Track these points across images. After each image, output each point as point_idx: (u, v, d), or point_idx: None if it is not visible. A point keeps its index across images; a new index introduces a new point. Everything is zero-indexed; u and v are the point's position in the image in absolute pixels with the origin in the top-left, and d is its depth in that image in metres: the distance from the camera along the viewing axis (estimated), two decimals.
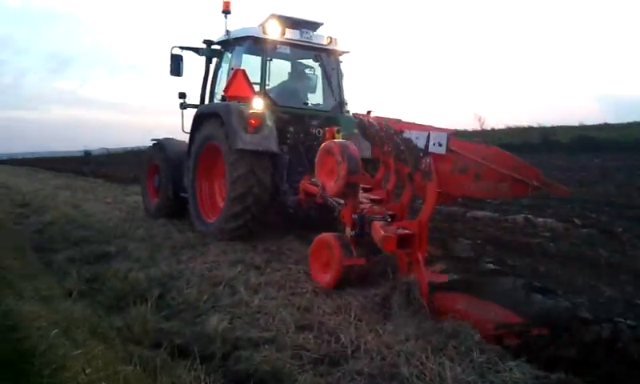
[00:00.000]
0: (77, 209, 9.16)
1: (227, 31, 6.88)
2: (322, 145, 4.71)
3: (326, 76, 7.13)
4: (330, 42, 6.95)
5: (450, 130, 4.16)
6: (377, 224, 3.95)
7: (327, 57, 7.09)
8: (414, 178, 3.74)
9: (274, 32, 6.43)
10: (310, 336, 3.28)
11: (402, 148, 4.00)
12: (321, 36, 6.93)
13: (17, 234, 6.14)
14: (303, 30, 6.75)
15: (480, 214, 7.75)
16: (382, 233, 3.72)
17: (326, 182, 4.54)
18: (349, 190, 4.37)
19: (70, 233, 6.63)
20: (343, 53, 7.19)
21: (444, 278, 3.86)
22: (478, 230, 6.82)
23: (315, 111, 6.96)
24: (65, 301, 3.67)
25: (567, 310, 3.20)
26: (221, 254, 5.31)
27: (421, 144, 3.63)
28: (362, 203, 4.59)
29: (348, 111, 7.07)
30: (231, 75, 6.33)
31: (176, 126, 7.67)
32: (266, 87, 6.58)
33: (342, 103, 7.12)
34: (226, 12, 6.76)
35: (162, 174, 7.85)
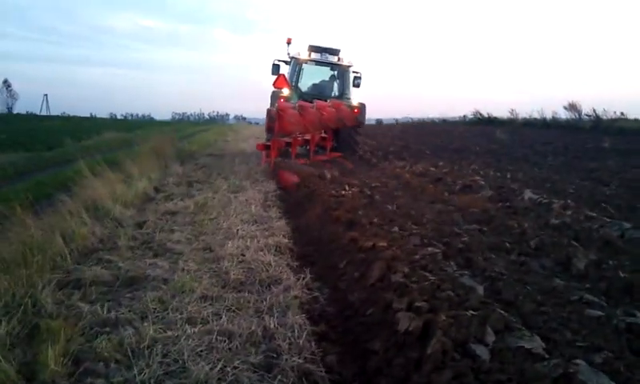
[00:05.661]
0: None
1: (288, 53, 13.08)
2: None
3: (336, 78, 12.71)
4: (339, 60, 12.46)
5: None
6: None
7: (338, 68, 12.62)
8: (276, 123, 9.41)
9: (303, 55, 12.34)
10: None
11: None
12: (335, 57, 12.49)
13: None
14: (324, 53, 12.46)
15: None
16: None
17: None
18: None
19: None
20: (348, 66, 12.59)
21: (286, 165, 9.49)
22: None
23: (325, 97, 12.52)
24: None
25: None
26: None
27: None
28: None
29: (349, 98, 12.47)
30: (277, 76, 12.52)
31: None
32: (299, 83, 12.55)
33: (342, 93, 12.56)
34: (289, 43, 12.97)
35: None
